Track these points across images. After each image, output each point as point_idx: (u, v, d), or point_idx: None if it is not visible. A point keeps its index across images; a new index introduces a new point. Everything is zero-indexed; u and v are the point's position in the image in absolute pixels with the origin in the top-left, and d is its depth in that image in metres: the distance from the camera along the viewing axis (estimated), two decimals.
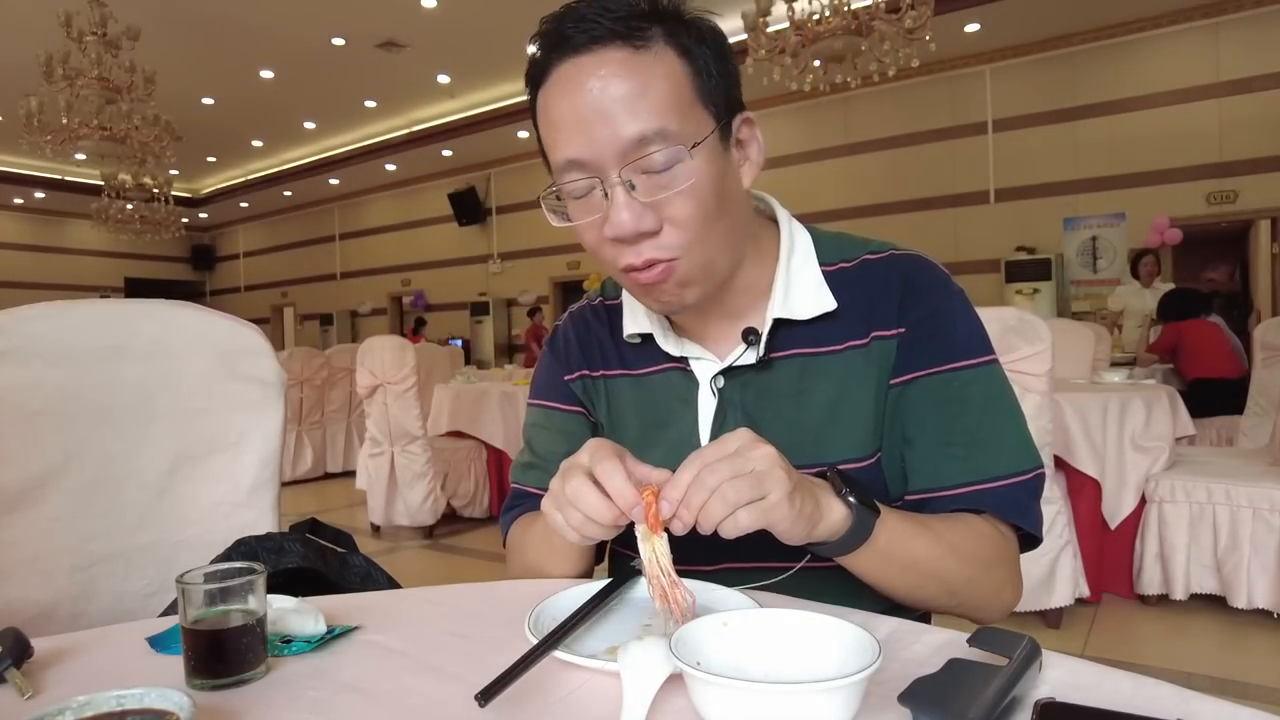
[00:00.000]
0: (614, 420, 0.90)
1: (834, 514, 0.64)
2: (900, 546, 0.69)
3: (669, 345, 0.85)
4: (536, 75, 0.74)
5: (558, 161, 0.72)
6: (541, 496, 0.86)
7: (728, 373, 0.83)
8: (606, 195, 0.71)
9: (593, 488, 0.62)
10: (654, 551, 0.60)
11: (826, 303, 0.81)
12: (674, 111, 0.70)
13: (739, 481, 0.58)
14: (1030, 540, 0.82)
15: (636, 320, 0.87)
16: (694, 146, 0.70)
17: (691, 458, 0.60)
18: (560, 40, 0.70)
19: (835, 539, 0.66)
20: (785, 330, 0.82)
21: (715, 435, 0.82)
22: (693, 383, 0.85)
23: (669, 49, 0.71)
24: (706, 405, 0.84)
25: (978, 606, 0.77)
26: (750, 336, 0.82)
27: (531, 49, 0.74)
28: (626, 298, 0.90)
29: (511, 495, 0.94)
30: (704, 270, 0.75)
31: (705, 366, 0.85)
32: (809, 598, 0.74)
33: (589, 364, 0.92)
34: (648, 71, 0.69)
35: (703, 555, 0.68)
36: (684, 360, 0.85)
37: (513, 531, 0.92)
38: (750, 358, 0.82)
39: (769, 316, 0.81)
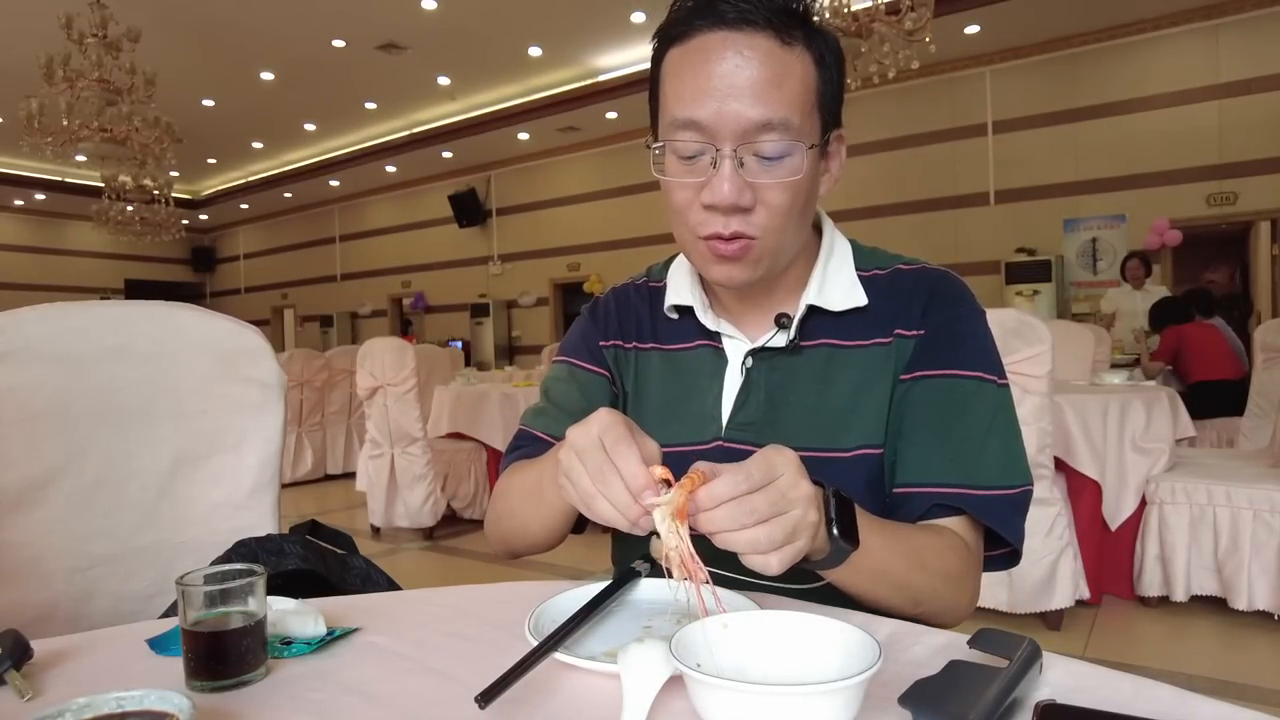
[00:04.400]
0: (639, 390, 0.93)
1: (819, 540, 0.63)
2: (871, 561, 0.69)
3: (707, 319, 0.89)
4: (675, 33, 0.77)
5: (676, 117, 0.75)
6: (548, 442, 0.89)
7: (757, 353, 0.87)
8: (714, 164, 0.74)
9: (621, 482, 0.58)
10: (676, 531, 0.58)
11: (858, 298, 0.86)
12: (799, 108, 0.74)
13: (782, 523, 0.56)
14: (1011, 557, 0.83)
15: (679, 293, 0.91)
16: (811, 147, 0.75)
17: (736, 471, 0.57)
18: (711, 12, 0.74)
19: (813, 559, 0.65)
20: (816, 320, 0.86)
21: (736, 412, 0.85)
22: (722, 360, 0.89)
23: (808, 54, 0.76)
24: (732, 383, 0.87)
25: (936, 614, 0.77)
26: (783, 319, 0.86)
27: (677, 5, 0.77)
28: (671, 277, 0.94)
29: (517, 436, 0.94)
30: (774, 255, 0.80)
31: (737, 345, 0.88)
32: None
33: (624, 335, 0.96)
34: (788, 66, 0.74)
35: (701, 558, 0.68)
36: (717, 338, 0.89)
37: (506, 474, 0.91)
38: (781, 340, 0.85)
39: (803, 303, 0.85)
